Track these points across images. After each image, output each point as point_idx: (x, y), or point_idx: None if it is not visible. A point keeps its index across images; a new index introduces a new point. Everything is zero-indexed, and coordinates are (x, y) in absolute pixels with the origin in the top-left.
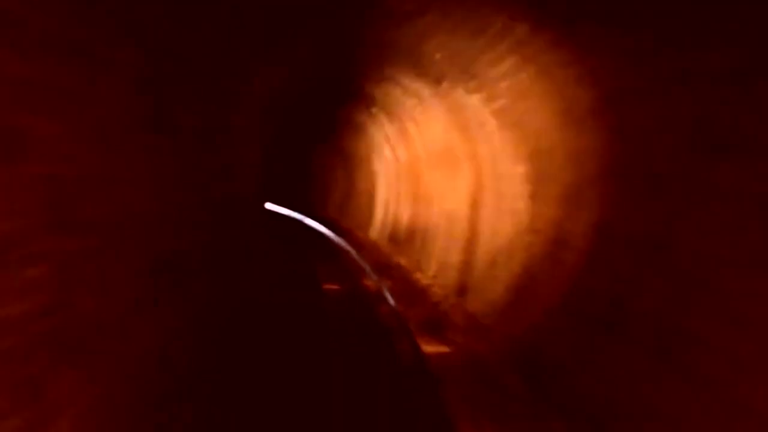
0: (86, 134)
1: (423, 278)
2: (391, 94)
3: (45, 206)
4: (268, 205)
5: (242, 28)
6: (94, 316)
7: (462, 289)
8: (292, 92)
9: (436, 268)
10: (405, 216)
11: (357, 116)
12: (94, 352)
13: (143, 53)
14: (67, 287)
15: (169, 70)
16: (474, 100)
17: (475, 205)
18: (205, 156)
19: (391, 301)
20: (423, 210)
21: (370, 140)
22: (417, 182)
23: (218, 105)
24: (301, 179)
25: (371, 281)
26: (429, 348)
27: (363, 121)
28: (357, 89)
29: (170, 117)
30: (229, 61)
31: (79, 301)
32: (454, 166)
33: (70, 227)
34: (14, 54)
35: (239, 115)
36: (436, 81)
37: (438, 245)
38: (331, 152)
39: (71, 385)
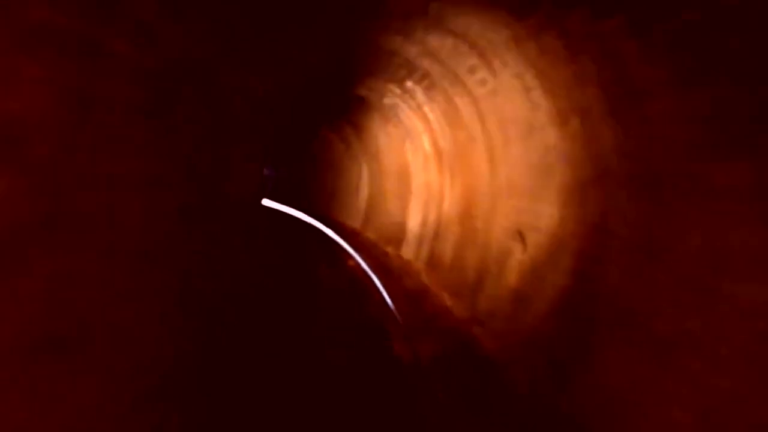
0: (86, 133)
1: (486, 338)
2: (436, 52)
3: (44, 203)
4: (278, 210)
5: (244, 11)
6: (93, 314)
7: (573, 385)
8: (301, 75)
9: (506, 325)
10: (451, 231)
11: (384, 95)
12: (93, 349)
13: (142, 50)
14: (67, 288)
15: (168, 66)
16: (606, 32)
17: (595, 236)
18: (204, 154)
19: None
20: (480, 227)
21: (402, 127)
22: (471, 186)
23: (218, 101)
24: (314, 180)
25: (400, 341)
26: None
27: (392, 103)
28: (384, 53)
29: (168, 115)
30: (230, 52)
31: (79, 300)
32: (543, 165)
33: (69, 225)
34: (17, 50)
35: (240, 110)
36: (525, 9)
37: (507, 283)
38: (352, 146)
39: (70, 382)
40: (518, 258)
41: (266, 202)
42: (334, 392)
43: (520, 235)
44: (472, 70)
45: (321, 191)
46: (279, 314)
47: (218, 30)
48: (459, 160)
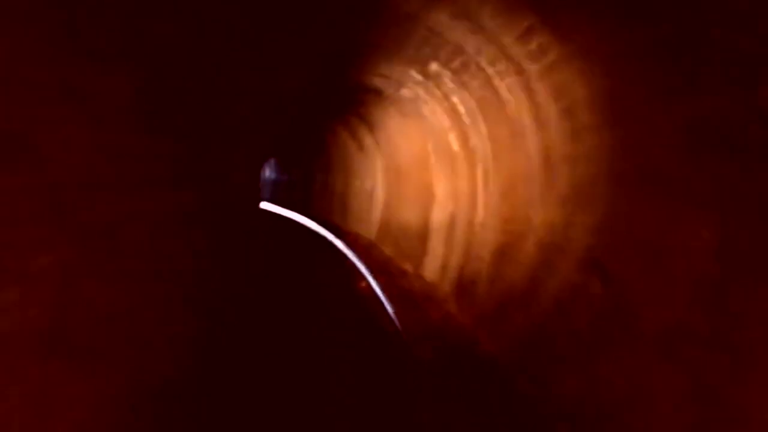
0: (86, 137)
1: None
2: (474, 15)
3: (44, 203)
4: (282, 215)
5: (243, 9)
6: (96, 316)
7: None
8: (307, 68)
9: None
10: (486, 252)
11: (402, 84)
12: (97, 353)
13: (143, 50)
14: (71, 291)
15: (169, 67)
16: None
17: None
18: (204, 156)
19: None
20: (531, 250)
21: (425, 124)
22: (516, 196)
23: (219, 102)
24: (323, 184)
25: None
26: None
27: (412, 95)
28: (402, 21)
29: (169, 116)
30: (230, 51)
31: (82, 302)
32: (641, 165)
33: (72, 230)
34: (22, 54)
35: (242, 111)
36: None
37: (575, 327)
38: (366, 146)
39: (73, 383)
40: (593, 296)
41: (270, 206)
42: (334, 393)
43: (598, 265)
44: (524, 37)
45: (331, 197)
46: (279, 316)
47: (218, 29)
48: (498, 162)
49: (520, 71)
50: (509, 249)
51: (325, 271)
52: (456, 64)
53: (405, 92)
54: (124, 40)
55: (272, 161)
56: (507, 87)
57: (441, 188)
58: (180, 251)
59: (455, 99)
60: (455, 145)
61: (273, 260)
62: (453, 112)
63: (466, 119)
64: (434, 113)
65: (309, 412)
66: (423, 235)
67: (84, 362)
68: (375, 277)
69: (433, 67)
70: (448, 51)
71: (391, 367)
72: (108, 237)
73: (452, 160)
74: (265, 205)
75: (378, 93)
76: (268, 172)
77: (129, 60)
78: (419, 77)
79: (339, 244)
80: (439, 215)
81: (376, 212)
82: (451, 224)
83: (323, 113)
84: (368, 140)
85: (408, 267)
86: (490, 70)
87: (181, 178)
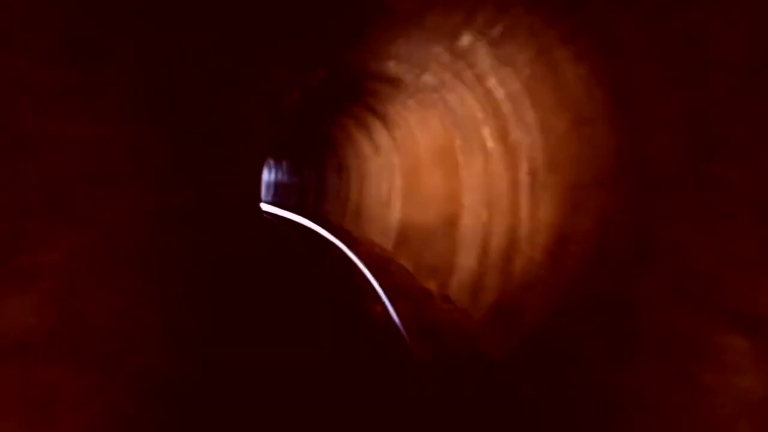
0: (86, 137)
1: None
2: None
3: (50, 204)
4: (290, 220)
5: (245, 10)
6: (92, 315)
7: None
8: (315, 64)
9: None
10: (534, 274)
11: (424, 68)
12: (97, 353)
13: (143, 53)
14: (71, 292)
15: (169, 68)
16: None
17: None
18: (206, 157)
19: None
20: (597, 275)
21: (450, 116)
22: (579, 202)
23: (219, 101)
24: (336, 188)
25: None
26: None
27: (436, 81)
28: None
29: (170, 116)
30: (235, 52)
31: (83, 305)
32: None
33: (75, 226)
34: (23, 54)
35: (245, 111)
36: None
37: (708, 417)
38: (382, 146)
39: (70, 384)
40: (737, 366)
41: (276, 210)
42: (333, 393)
43: (747, 322)
44: None
45: (344, 201)
46: (280, 318)
47: (218, 30)
48: (553, 161)
49: (598, 29)
50: (567, 275)
51: (332, 283)
52: (496, 31)
53: (427, 78)
54: (126, 41)
55: (283, 163)
56: (572, 56)
57: (471, 193)
58: (180, 251)
59: (492, 82)
60: (490, 141)
61: (275, 261)
62: (488, 98)
63: (505, 107)
64: (463, 103)
65: (309, 413)
66: (450, 248)
67: (85, 362)
68: (391, 294)
69: (464, 41)
70: (488, 14)
71: (391, 369)
72: (108, 237)
73: (486, 159)
74: (271, 208)
75: (394, 82)
76: (278, 174)
77: (129, 60)
78: (445, 57)
79: (352, 255)
80: (469, 226)
81: (394, 219)
82: (486, 237)
83: (333, 110)
84: (384, 138)
85: (432, 286)
86: (544, 35)
87: (181, 178)
